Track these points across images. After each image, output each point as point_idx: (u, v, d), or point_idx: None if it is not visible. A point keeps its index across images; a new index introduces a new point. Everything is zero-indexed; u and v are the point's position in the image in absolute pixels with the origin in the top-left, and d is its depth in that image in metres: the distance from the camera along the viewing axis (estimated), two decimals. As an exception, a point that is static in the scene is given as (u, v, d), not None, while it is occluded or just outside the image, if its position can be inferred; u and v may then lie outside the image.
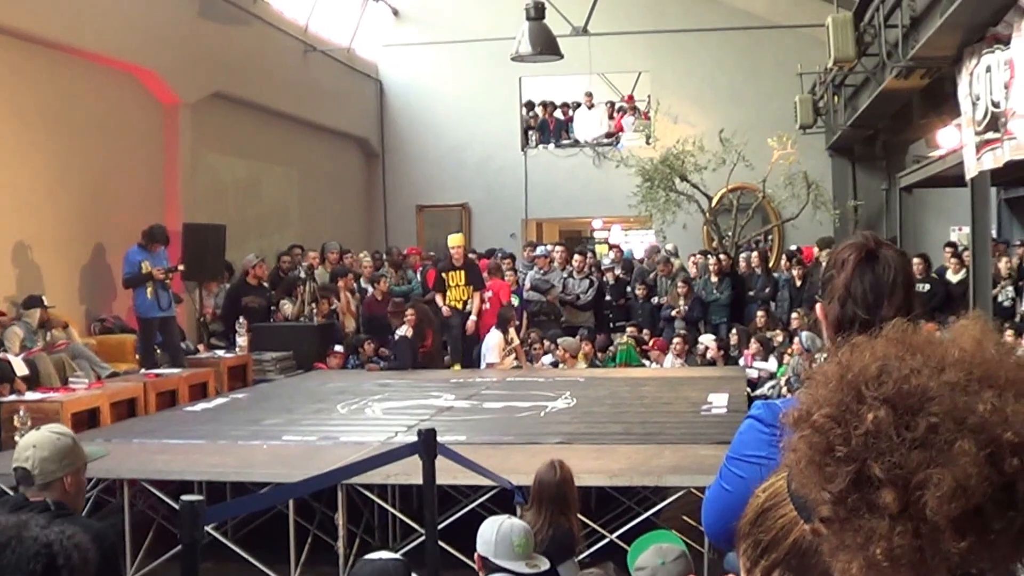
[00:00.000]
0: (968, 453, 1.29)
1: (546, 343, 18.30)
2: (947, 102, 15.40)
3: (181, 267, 16.31)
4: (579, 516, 8.04)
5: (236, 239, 19.40)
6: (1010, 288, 17.60)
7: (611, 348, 18.44)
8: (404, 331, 17.42)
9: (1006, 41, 11.48)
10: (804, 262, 20.41)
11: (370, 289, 20.01)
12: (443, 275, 18.40)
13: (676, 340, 17.92)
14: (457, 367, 17.70)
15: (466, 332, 18.11)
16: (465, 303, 18.20)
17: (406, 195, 27.68)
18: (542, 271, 20.32)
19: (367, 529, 10.19)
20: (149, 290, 15.27)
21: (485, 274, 18.91)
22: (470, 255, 19.89)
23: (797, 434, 1.43)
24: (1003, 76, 11.63)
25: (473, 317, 18.07)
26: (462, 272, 18.26)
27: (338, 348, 17.88)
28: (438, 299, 18.34)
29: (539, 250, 21.54)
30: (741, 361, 17.25)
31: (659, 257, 22.03)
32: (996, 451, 1.30)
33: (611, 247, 24.96)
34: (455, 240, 18.59)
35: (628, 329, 18.96)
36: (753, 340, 17.48)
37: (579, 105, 28.16)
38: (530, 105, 28.26)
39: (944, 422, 1.32)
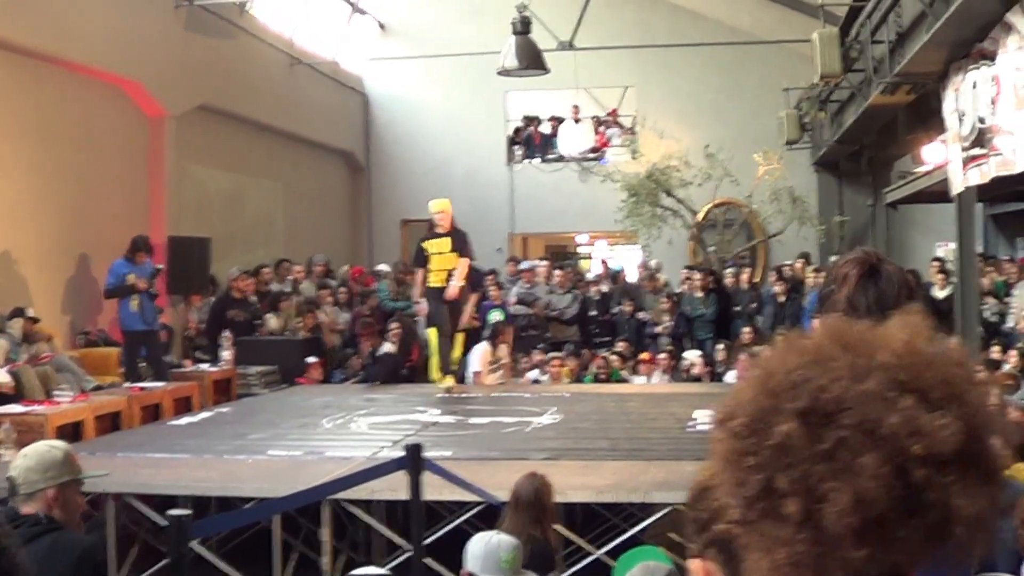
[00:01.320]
0: (870, 467, 1.32)
1: (534, 356, 18.22)
2: (933, 118, 15.43)
3: (161, 266, 16.21)
4: (564, 532, 8.02)
5: (221, 252, 19.37)
6: (994, 303, 17.63)
7: (591, 367, 18.26)
8: (388, 348, 17.37)
9: (992, 57, 11.50)
10: (786, 278, 20.42)
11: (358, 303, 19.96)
12: (423, 244, 15.73)
13: (662, 356, 17.90)
14: (443, 377, 15.54)
15: (446, 298, 15.45)
16: (450, 274, 15.32)
17: (391, 209, 27.68)
18: (528, 285, 20.31)
19: (352, 545, 10.15)
20: (134, 303, 15.21)
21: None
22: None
23: (718, 435, 1.47)
24: (989, 92, 11.66)
25: (455, 282, 15.34)
26: (447, 239, 15.52)
27: (310, 359, 17.72)
28: (417, 278, 15.85)
29: (524, 264, 21.53)
30: (730, 376, 17.23)
31: (644, 273, 22.07)
32: (903, 463, 1.33)
33: (602, 263, 24.95)
34: (439, 205, 15.92)
35: (619, 344, 18.90)
36: (741, 356, 17.48)
37: (563, 120, 28.17)
38: (529, 120, 28.29)
39: (853, 435, 1.34)
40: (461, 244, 15.52)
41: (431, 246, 15.51)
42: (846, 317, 2.78)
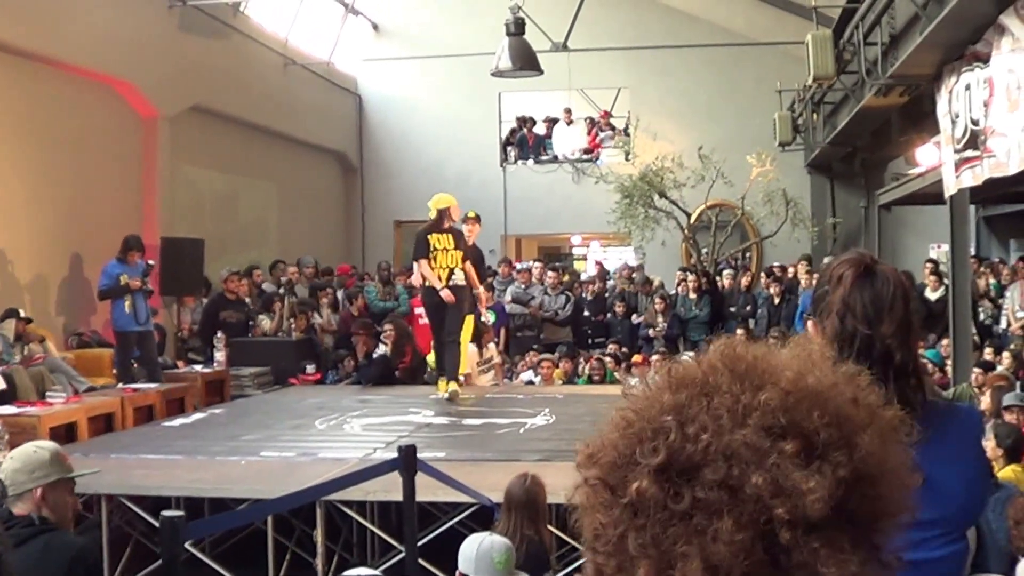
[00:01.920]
0: (726, 531, 1.26)
1: (528, 358, 18.20)
2: (926, 120, 15.45)
3: (152, 262, 16.16)
4: (558, 533, 8.01)
5: (214, 253, 19.36)
6: (989, 305, 17.65)
7: (582, 368, 18.21)
8: (383, 349, 17.34)
9: (985, 59, 11.50)
10: (781, 279, 20.43)
11: (346, 304, 19.93)
12: (428, 237, 14.70)
13: (655, 358, 17.87)
14: (445, 384, 14.66)
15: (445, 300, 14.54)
16: (452, 272, 14.53)
17: (384, 210, 27.67)
18: (523, 285, 20.30)
19: (346, 546, 10.13)
20: (127, 304, 15.18)
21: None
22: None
23: (578, 479, 1.42)
24: (982, 94, 11.65)
25: (480, 290, 15.31)
26: (450, 235, 14.74)
27: (309, 368, 17.72)
28: (425, 270, 14.67)
29: (521, 265, 21.53)
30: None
31: (638, 276, 22.09)
32: (765, 525, 1.26)
33: (596, 264, 24.92)
34: (446, 200, 15.00)
35: (610, 347, 18.89)
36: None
37: (558, 121, 28.20)
38: (522, 122, 28.31)
39: (712, 495, 1.28)
40: (463, 243, 14.93)
41: (437, 241, 14.70)
42: (840, 320, 2.80)
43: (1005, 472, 8.78)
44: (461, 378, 15.21)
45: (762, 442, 1.29)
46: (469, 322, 15.56)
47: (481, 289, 15.35)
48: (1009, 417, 11.34)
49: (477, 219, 16.25)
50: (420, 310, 17.54)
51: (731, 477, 1.27)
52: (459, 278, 14.60)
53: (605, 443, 1.40)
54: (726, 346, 1.43)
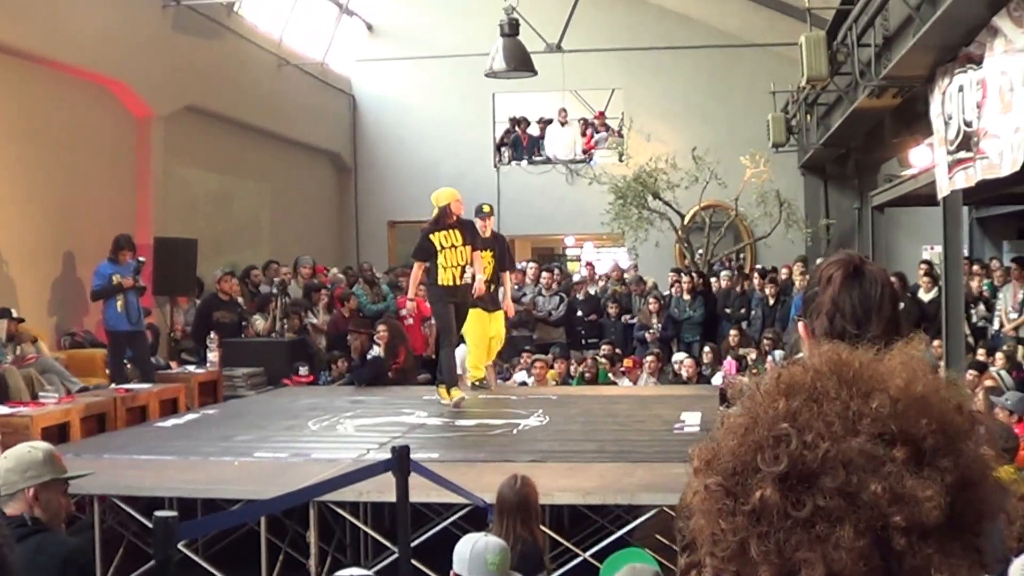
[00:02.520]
0: (847, 539, 1.28)
1: (523, 358, 18.19)
2: (919, 121, 15.46)
3: (143, 258, 16.11)
4: (551, 534, 8.02)
5: (207, 254, 19.34)
6: (982, 307, 17.67)
7: (576, 368, 18.18)
8: (377, 351, 17.33)
9: (978, 61, 11.53)
10: (777, 280, 20.44)
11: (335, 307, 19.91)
12: (431, 237, 14.10)
13: (650, 358, 17.87)
14: (448, 392, 13.95)
15: (475, 295, 14.26)
16: (464, 269, 13.95)
17: (378, 211, 27.69)
18: (517, 286, 20.31)
19: (339, 547, 10.13)
20: (119, 303, 15.16)
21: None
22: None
23: (696, 483, 1.43)
24: (975, 96, 11.68)
25: (480, 278, 14.28)
26: (458, 231, 14.08)
27: (303, 370, 17.70)
28: (414, 273, 14.60)
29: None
30: (716, 378, 17.22)
31: (632, 276, 22.11)
32: (881, 531, 1.29)
33: (587, 265, 24.88)
34: (448, 195, 14.32)
35: (603, 347, 18.88)
36: (729, 358, 17.53)
37: (551, 121, 28.21)
38: (516, 122, 28.33)
39: (831, 502, 1.30)
40: (472, 236, 14.32)
41: (443, 238, 14.06)
42: (830, 320, 2.81)
43: (999, 473, 8.77)
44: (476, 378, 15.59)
45: (876, 449, 1.32)
46: (503, 323, 16.01)
47: (480, 277, 14.40)
48: (1003, 417, 11.37)
49: (491, 213, 16.04)
50: (404, 311, 17.83)
51: (850, 484, 1.30)
52: (468, 276, 14.16)
53: (723, 449, 1.41)
54: (831, 351, 1.44)
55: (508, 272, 16.56)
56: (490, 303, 15.42)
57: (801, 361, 1.44)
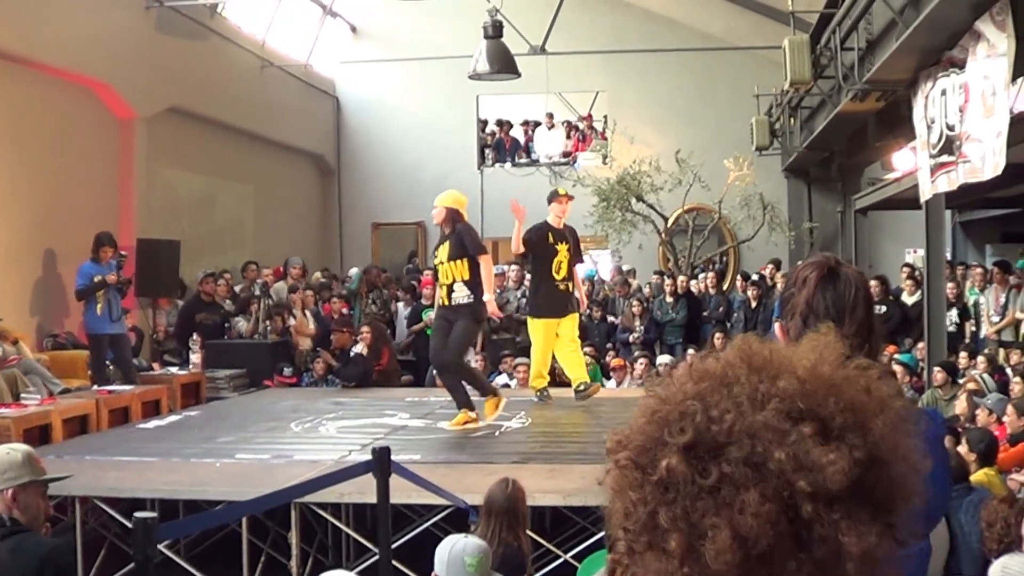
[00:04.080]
0: (752, 503, 1.31)
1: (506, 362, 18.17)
2: (902, 125, 15.50)
3: (125, 254, 16.05)
4: (532, 535, 8.02)
5: (190, 255, 19.31)
6: (954, 312, 17.69)
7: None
8: (359, 348, 17.30)
9: (961, 65, 11.57)
10: (759, 283, 20.48)
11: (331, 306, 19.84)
12: (437, 251, 12.70)
13: (641, 362, 17.79)
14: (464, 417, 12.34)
15: (488, 315, 12.78)
16: (451, 288, 12.20)
17: (361, 212, 27.65)
18: (498, 289, 20.27)
19: (320, 548, 10.12)
20: (99, 305, 15.11)
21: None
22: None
23: (608, 464, 1.46)
24: (958, 99, 11.72)
25: (486, 296, 12.30)
26: (446, 244, 12.35)
27: (287, 371, 17.69)
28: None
29: (494, 269, 21.47)
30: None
31: (617, 278, 22.10)
32: (789, 499, 1.31)
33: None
34: (437, 201, 12.70)
35: (586, 349, 18.86)
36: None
37: (539, 124, 28.24)
38: (500, 124, 28.33)
39: (737, 470, 1.33)
40: (460, 248, 12.28)
41: (436, 254, 12.70)
42: (804, 321, 2.82)
43: (977, 476, 8.82)
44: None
45: (782, 424, 1.34)
46: (576, 325, 14.56)
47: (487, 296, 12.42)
48: (984, 418, 11.41)
49: (569, 196, 14.87)
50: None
51: (755, 454, 1.33)
52: (460, 295, 12.22)
53: (633, 429, 1.45)
54: (743, 342, 1.48)
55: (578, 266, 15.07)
56: (566, 307, 14.16)
57: (714, 354, 1.47)
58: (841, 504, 1.32)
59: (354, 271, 21.30)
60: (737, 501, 1.31)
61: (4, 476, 5.16)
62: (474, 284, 12.20)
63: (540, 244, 14.35)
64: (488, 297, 12.36)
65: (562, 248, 14.17)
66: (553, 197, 14.69)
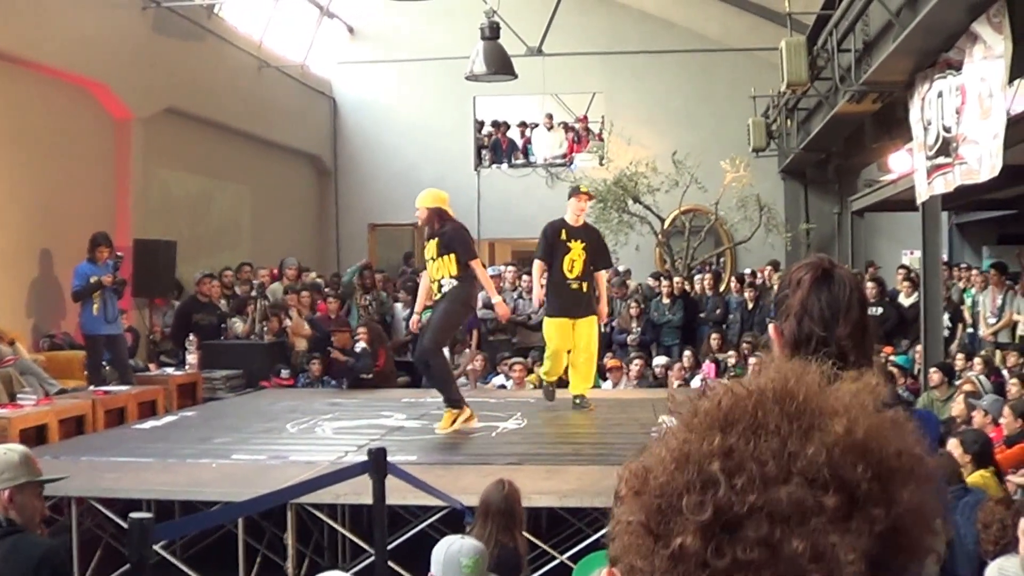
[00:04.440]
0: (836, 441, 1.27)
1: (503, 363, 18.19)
2: (899, 127, 15.50)
3: (121, 255, 16.03)
4: (528, 537, 8.01)
5: (187, 256, 19.30)
6: (945, 316, 17.70)
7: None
8: (363, 345, 17.29)
9: (957, 67, 11.56)
10: (756, 284, 20.48)
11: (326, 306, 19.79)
12: (425, 248, 12.37)
13: (636, 363, 17.79)
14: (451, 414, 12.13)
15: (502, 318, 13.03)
16: (441, 283, 11.93)
17: (358, 213, 27.63)
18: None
19: (316, 549, 10.12)
20: (95, 306, 15.08)
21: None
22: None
23: (623, 510, 1.39)
24: (954, 101, 11.71)
25: (495, 299, 12.67)
26: (435, 241, 12.02)
27: (284, 373, 17.68)
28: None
29: (491, 270, 21.46)
30: (695, 381, 17.25)
31: (615, 280, 22.10)
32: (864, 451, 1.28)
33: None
34: (418, 200, 12.45)
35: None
36: (707, 361, 17.55)
37: (537, 125, 28.24)
38: (496, 125, 28.32)
39: (752, 553, 1.27)
40: (448, 246, 11.96)
41: (425, 251, 12.37)
42: (798, 322, 2.82)
43: (973, 477, 8.82)
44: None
45: (805, 497, 1.27)
46: (593, 333, 14.05)
47: (497, 300, 12.79)
48: (980, 420, 11.42)
49: (589, 194, 14.38)
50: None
51: (772, 537, 1.26)
52: (449, 288, 11.97)
53: (651, 483, 1.36)
54: (778, 375, 1.40)
55: (604, 271, 14.53)
56: (578, 307, 13.66)
57: (746, 381, 1.40)
58: None
59: (354, 267, 21.20)
60: None
61: (2, 477, 5.15)
62: (462, 278, 11.96)
63: (553, 240, 13.83)
64: (497, 299, 12.49)
65: (575, 246, 13.60)
66: (573, 193, 14.17)
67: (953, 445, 9.44)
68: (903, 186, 16.21)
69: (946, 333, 17.39)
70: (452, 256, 11.91)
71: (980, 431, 10.32)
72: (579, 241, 13.64)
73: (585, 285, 13.62)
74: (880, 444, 1.32)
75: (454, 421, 12.01)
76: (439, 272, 11.99)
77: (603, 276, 14.30)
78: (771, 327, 3.00)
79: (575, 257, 13.54)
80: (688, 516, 1.29)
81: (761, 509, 1.27)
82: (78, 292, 15.22)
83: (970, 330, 18.22)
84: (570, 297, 13.56)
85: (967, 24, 10.93)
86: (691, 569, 1.28)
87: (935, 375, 14.11)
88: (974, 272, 19.28)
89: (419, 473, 8.00)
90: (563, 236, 13.67)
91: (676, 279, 20.76)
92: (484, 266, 12.84)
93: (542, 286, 14.04)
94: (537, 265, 13.96)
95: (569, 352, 13.89)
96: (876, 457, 1.31)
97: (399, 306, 20.74)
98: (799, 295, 2.87)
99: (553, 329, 13.70)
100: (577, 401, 13.81)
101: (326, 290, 20.78)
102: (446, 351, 13.30)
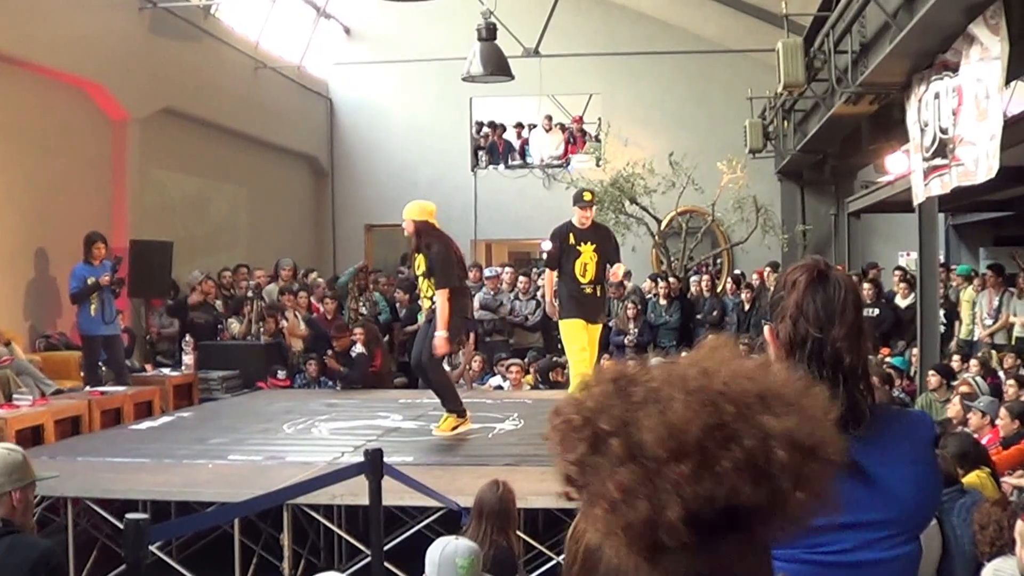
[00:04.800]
0: (679, 400, 1.45)
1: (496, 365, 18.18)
2: (896, 128, 15.50)
3: (120, 255, 16.04)
4: (525, 538, 8.01)
5: (183, 256, 19.27)
6: (941, 313, 17.72)
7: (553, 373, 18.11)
8: (360, 348, 17.30)
9: (954, 68, 11.56)
10: (752, 286, 20.48)
11: (321, 307, 19.77)
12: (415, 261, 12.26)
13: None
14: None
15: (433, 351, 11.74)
16: (431, 299, 11.83)
17: (355, 214, 27.62)
18: (492, 292, 20.26)
19: (313, 550, 10.12)
20: (93, 307, 15.08)
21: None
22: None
23: (551, 426, 1.57)
24: (951, 103, 11.71)
25: (439, 332, 11.61)
26: (421, 257, 11.93)
27: (281, 374, 17.68)
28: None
29: (488, 271, 21.44)
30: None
31: (610, 281, 22.10)
32: (711, 399, 1.45)
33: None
34: (405, 213, 12.24)
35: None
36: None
37: (535, 126, 28.24)
38: (493, 126, 28.33)
39: (663, 387, 1.49)
40: (431, 269, 11.82)
41: (416, 265, 12.26)
42: (793, 324, 2.83)
43: (969, 478, 8.81)
44: None
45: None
46: (598, 338, 13.60)
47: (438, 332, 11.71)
48: (976, 421, 11.42)
49: (593, 201, 13.61)
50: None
51: (673, 377, 1.53)
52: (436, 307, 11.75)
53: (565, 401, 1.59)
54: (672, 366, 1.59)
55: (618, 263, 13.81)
56: (594, 312, 13.31)
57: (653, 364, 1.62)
58: (755, 400, 1.47)
59: (350, 269, 21.13)
60: (666, 401, 1.46)
61: (11, 478, 5.16)
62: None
63: (562, 245, 13.33)
64: (440, 334, 11.65)
65: (586, 249, 13.17)
66: (575, 201, 13.45)
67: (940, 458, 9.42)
68: (900, 187, 16.20)
69: (942, 331, 17.44)
70: (429, 280, 11.84)
71: (965, 436, 10.28)
72: (589, 243, 13.24)
73: (598, 289, 13.30)
74: (738, 387, 1.49)
75: (455, 427, 12.03)
76: (428, 291, 11.91)
77: (620, 265, 13.83)
78: (766, 329, 3.00)
79: (587, 261, 13.14)
80: (600, 378, 1.58)
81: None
82: (76, 294, 15.20)
83: (969, 328, 18.19)
84: (586, 302, 13.20)
85: (964, 26, 10.93)
86: (615, 403, 1.51)
87: (933, 378, 14.10)
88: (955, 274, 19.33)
89: (415, 474, 8.01)
90: (571, 240, 13.25)
91: (671, 279, 20.77)
92: (460, 291, 12.15)
93: (555, 295, 13.74)
94: (547, 275, 13.70)
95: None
96: (734, 398, 1.48)
97: (398, 306, 20.67)
98: (794, 296, 2.87)
99: (570, 329, 13.27)
100: None
101: (323, 290, 20.70)
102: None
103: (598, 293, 13.28)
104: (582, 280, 13.12)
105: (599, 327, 13.54)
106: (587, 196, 13.40)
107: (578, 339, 13.16)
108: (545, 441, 1.59)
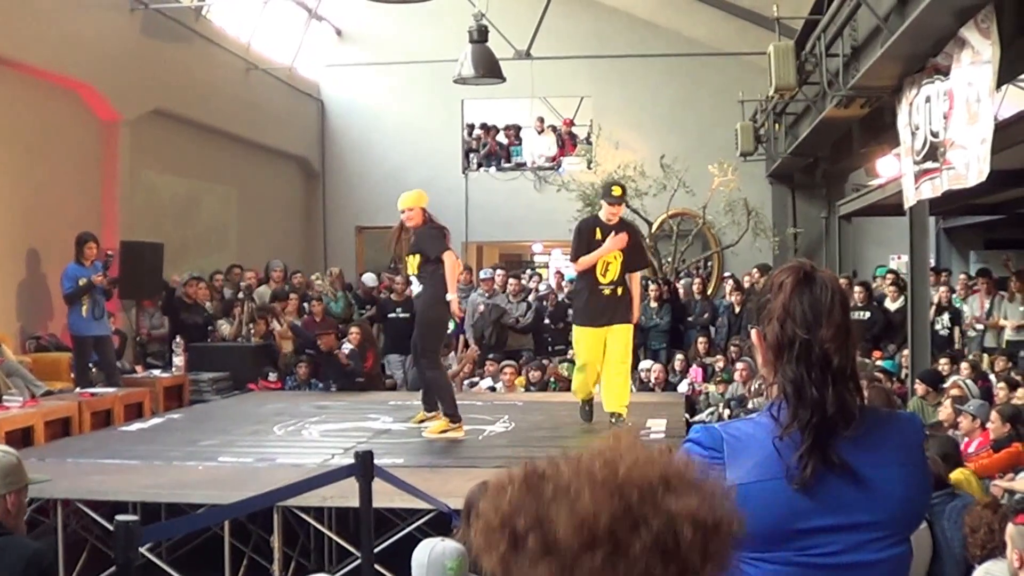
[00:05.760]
0: (586, 493, 1.59)
1: (488, 367, 18.16)
2: (887, 131, 15.51)
3: (111, 252, 16.00)
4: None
5: (174, 258, 19.25)
6: (946, 317, 17.75)
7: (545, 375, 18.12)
8: (349, 347, 17.29)
9: (945, 72, 11.57)
10: (743, 288, 20.49)
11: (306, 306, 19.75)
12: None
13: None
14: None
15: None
16: (409, 281, 12.31)
17: (346, 216, 27.62)
18: (486, 294, 20.24)
19: (303, 552, 10.11)
20: (84, 307, 15.06)
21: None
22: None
23: (474, 529, 1.71)
24: (942, 106, 11.72)
25: (449, 296, 11.74)
26: (405, 242, 12.15)
27: (271, 376, 17.67)
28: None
29: (483, 273, 21.44)
30: (682, 386, 17.27)
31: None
32: (616, 489, 1.59)
33: (557, 273, 24.80)
34: (402, 201, 12.38)
35: (570, 354, 18.85)
36: (694, 366, 17.56)
37: (520, 129, 28.24)
38: (484, 128, 28.34)
39: (571, 481, 1.63)
40: (418, 245, 11.97)
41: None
42: (781, 326, 2.83)
43: (955, 475, 8.81)
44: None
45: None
46: (628, 343, 12.65)
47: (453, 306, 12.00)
48: (967, 424, 11.43)
49: (623, 197, 12.91)
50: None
51: (581, 470, 1.70)
52: (416, 288, 12.08)
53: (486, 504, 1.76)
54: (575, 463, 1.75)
55: (639, 272, 13.15)
56: (613, 314, 12.39)
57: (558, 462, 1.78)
58: (660, 485, 1.60)
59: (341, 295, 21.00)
60: (574, 493, 1.60)
61: (7, 480, 5.15)
62: (422, 276, 11.84)
63: (587, 239, 12.42)
64: (451, 297, 11.71)
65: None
66: (604, 195, 12.68)
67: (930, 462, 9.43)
68: (891, 191, 16.23)
69: (945, 333, 17.48)
70: (417, 256, 11.84)
71: (946, 438, 10.29)
72: None
73: (620, 290, 12.38)
74: (641, 474, 1.62)
75: (445, 431, 11.94)
76: (411, 268, 12.00)
77: (637, 277, 12.96)
78: (753, 332, 3.01)
79: (610, 259, 12.28)
80: (510, 482, 1.74)
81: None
82: (70, 295, 15.17)
83: (972, 332, 18.19)
84: (605, 304, 12.32)
85: (955, 29, 10.93)
86: (528, 501, 1.65)
87: (920, 387, 14.09)
88: (961, 278, 19.32)
89: (406, 476, 7.99)
90: (598, 235, 12.34)
91: (662, 282, 20.78)
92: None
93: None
94: (577, 267, 12.67)
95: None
96: (638, 485, 1.60)
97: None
98: (781, 298, 2.87)
99: (583, 340, 12.54)
100: (613, 420, 12.35)
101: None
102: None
103: (619, 293, 12.35)
104: (602, 280, 12.32)
105: (623, 328, 12.44)
106: (616, 191, 12.60)
107: (586, 353, 12.50)
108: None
